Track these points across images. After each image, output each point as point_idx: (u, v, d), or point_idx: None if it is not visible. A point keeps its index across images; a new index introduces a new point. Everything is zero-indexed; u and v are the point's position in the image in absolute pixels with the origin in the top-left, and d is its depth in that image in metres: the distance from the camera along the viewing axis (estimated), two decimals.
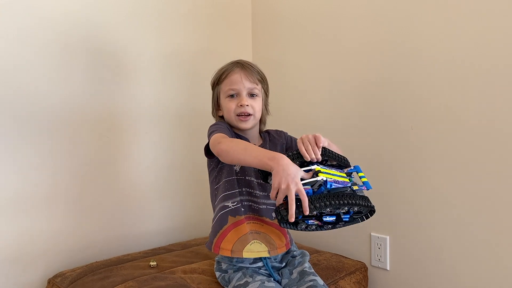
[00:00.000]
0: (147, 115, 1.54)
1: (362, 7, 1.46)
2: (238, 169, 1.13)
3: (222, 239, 1.08)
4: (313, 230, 0.98)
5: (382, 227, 1.41)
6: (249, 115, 1.12)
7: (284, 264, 1.16)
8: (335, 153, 0.99)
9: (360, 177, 0.98)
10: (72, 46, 1.34)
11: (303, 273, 1.09)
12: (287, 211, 0.87)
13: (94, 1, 1.39)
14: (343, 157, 1.00)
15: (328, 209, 0.87)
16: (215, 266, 1.16)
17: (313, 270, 1.12)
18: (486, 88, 1.16)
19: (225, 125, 1.14)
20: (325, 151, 0.95)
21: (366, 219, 0.98)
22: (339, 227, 0.98)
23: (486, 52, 1.15)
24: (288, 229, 1.04)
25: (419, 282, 1.32)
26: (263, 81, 1.17)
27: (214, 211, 1.15)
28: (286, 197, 0.90)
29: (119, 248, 1.46)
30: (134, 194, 1.51)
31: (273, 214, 1.13)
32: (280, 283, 1.10)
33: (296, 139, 1.16)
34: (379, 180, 1.41)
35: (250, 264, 1.11)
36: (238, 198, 1.11)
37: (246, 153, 0.95)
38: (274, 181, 0.87)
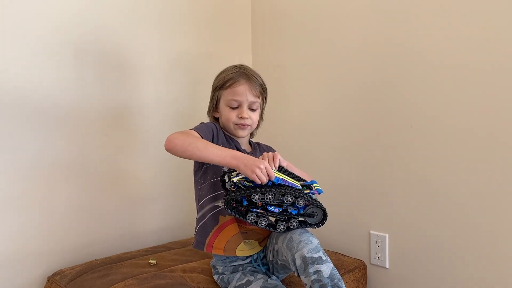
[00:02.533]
0: (148, 114, 1.53)
1: (361, 9, 1.45)
2: (226, 170, 1.13)
3: (214, 239, 1.10)
4: (263, 227, 1.01)
5: (381, 225, 1.42)
6: (248, 125, 1.16)
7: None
8: (291, 172, 1.06)
9: (314, 187, 1.03)
10: (77, 49, 1.34)
11: (279, 234, 1.06)
12: (229, 195, 0.94)
13: (97, 4, 1.39)
14: (300, 177, 1.07)
15: (270, 196, 0.94)
16: (212, 271, 1.17)
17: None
18: (485, 87, 1.15)
19: (211, 127, 1.15)
20: (282, 168, 1.04)
21: (322, 225, 1.03)
22: (293, 228, 1.01)
23: (485, 51, 1.15)
24: (237, 218, 1.07)
25: (418, 280, 1.33)
26: (263, 92, 1.21)
27: (199, 211, 1.16)
28: (235, 185, 0.97)
29: (118, 246, 1.46)
30: (134, 192, 1.51)
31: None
32: (268, 276, 1.11)
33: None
34: (378, 178, 1.41)
35: (243, 260, 1.13)
36: None
37: (207, 150, 0.99)
38: (247, 173, 0.93)
